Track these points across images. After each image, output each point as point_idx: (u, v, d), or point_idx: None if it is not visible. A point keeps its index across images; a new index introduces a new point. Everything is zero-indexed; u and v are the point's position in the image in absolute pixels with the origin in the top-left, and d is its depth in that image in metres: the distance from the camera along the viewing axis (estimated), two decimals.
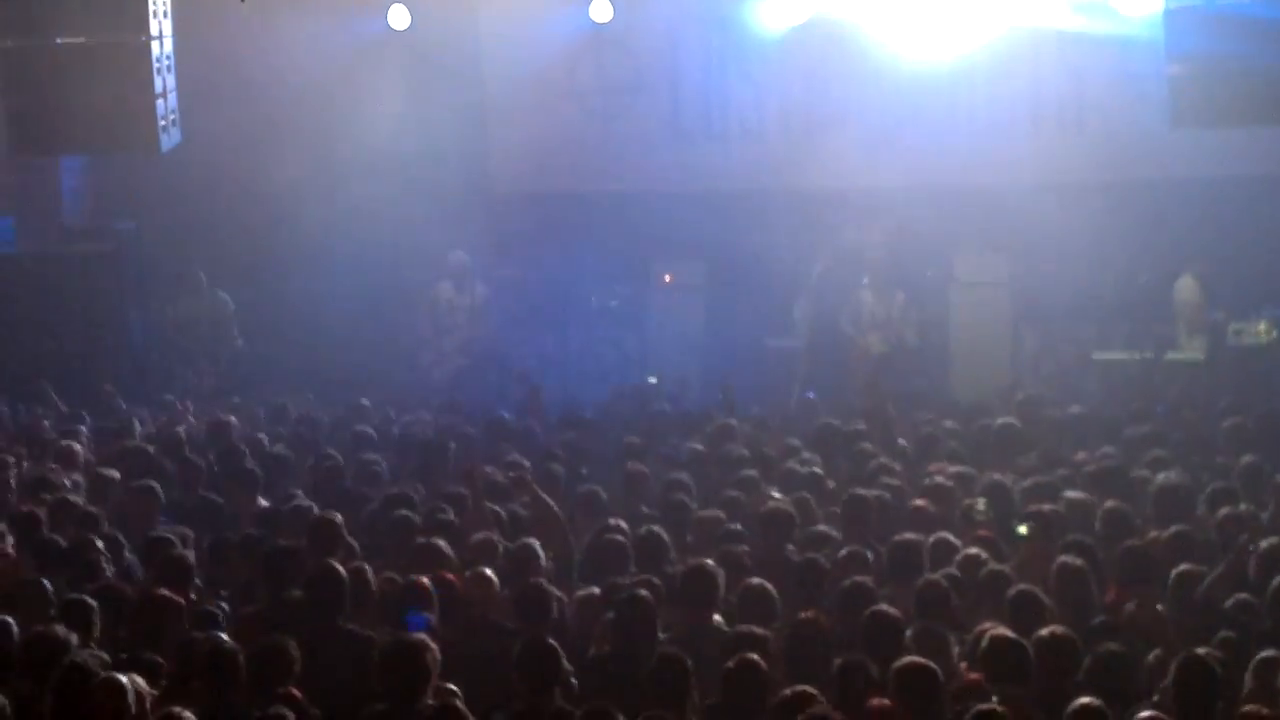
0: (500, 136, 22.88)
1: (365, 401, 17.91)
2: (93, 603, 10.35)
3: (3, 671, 9.50)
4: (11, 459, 14.54)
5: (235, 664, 9.45)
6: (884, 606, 10.27)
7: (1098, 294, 21.17)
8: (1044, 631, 9.72)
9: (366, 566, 11.21)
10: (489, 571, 11.13)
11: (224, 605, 11.28)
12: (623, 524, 12.43)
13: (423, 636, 9.69)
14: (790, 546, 12.08)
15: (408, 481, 14.23)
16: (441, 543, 11.57)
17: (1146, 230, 20.98)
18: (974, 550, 11.71)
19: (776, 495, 13.25)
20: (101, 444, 15.96)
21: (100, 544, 11.89)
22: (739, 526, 12.49)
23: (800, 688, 9.11)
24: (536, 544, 11.67)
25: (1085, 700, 8.84)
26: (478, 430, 16.46)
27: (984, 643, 9.67)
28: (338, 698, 9.68)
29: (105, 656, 9.70)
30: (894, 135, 21.96)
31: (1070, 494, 13.34)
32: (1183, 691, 9.13)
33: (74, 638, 9.70)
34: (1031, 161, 21.53)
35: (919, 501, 13.11)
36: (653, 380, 17.89)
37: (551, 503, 12.69)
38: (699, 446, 15.28)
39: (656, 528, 11.99)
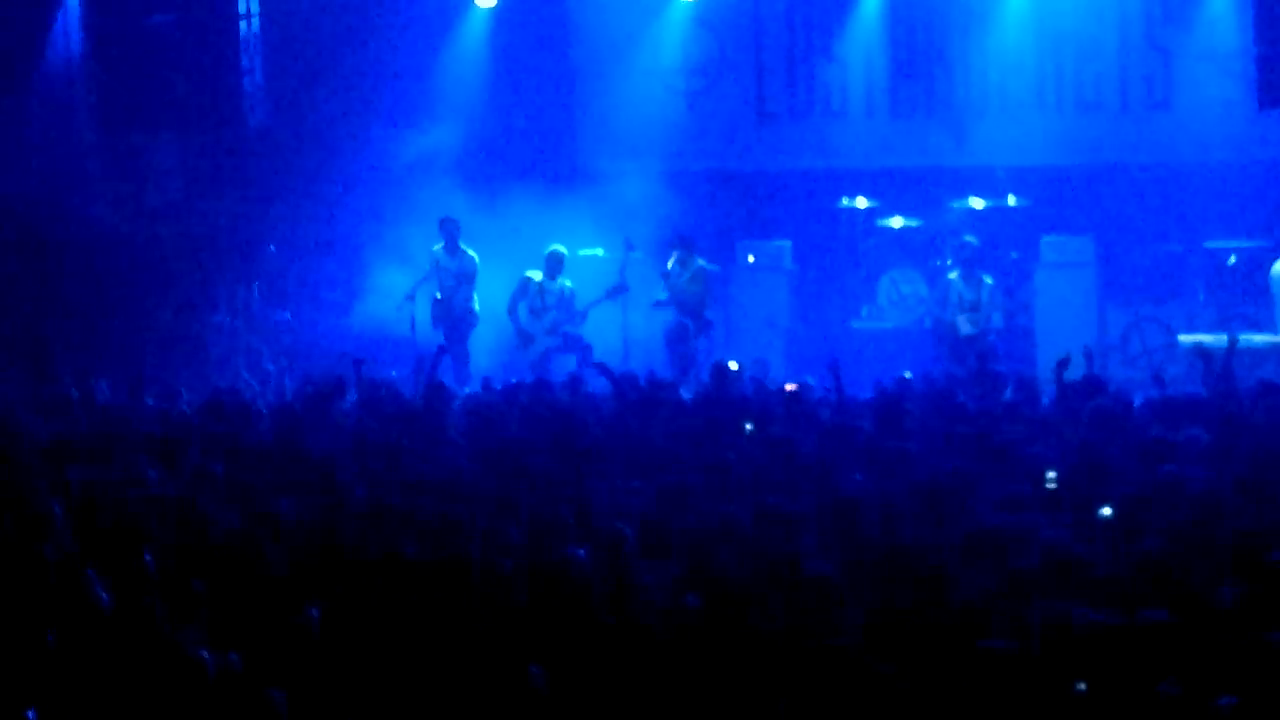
0: (586, 116, 22.96)
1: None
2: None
3: (97, 641, 9.56)
4: None
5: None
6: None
7: (1185, 276, 21.03)
8: (1132, 619, 9.64)
9: None
10: None
11: None
12: None
13: None
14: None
15: None
16: None
17: (1234, 211, 20.82)
18: (1057, 535, 11.63)
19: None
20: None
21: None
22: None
23: None
24: None
25: None
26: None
27: (1067, 628, 9.62)
28: None
29: (200, 634, 9.78)
30: (980, 115, 21.92)
31: (1157, 475, 13.22)
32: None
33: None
34: (1119, 141, 21.43)
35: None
36: (733, 365, 17.76)
37: None
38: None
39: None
